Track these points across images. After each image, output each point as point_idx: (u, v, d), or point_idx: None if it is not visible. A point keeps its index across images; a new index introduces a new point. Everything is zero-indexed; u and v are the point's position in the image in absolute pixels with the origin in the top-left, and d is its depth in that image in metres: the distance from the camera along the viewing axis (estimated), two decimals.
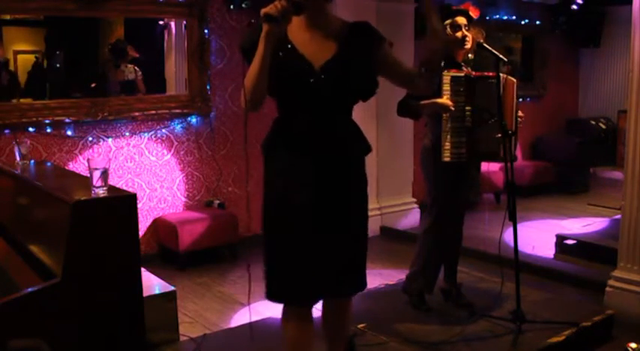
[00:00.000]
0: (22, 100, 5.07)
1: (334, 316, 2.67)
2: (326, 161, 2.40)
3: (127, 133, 5.19)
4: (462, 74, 3.50)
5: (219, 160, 5.66)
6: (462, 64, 3.65)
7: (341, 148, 2.42)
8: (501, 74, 3.51)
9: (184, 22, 5.46)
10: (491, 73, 3.54)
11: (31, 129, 4.72)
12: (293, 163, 2.41)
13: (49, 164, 4.28)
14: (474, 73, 3.58)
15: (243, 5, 5.50)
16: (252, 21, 2.33)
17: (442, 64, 2.46)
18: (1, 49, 5.46)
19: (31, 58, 5.82)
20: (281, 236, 2.45)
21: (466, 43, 3.57)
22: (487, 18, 7.39)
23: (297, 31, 2.38)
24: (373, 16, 5.86)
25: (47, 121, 4.77)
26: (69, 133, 4.91)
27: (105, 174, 2.77)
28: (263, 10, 2.18)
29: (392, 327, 3.60)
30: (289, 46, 2.36)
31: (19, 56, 5.80)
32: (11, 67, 5.56)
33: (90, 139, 5.02)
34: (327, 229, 2.42)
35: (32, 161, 3.84)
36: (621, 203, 4.16)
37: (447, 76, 3.46)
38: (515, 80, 3.61)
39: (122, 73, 5.74)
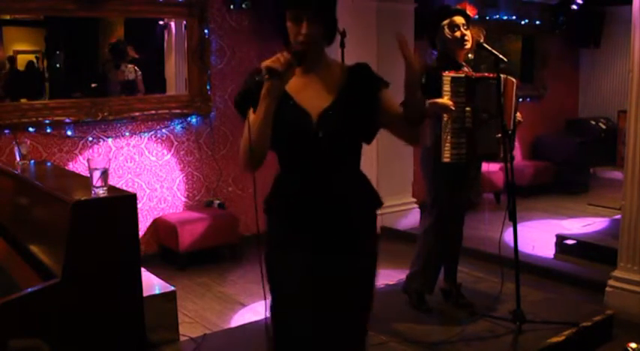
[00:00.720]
0: (11, 100, 5.07)
1: None
2: (327, 227, 2.16)
3: (127, 133, 5.19)
4: (462, 75, 3.50)
5: (219, 160, 5.66)
6: (463, 64, 3.64)
7: (344, 210, 2.17)
8: (502, 75, 3.51)
9: (184, 22, 5.46)
10: (491, 74, 3.54)
11: (31, 129, 4.72)
12: (290, 229, 2.20)
13: (49, 164, 4.28)
14: (475, 73, 3.58)
15: (244, 5, 5.50)
16: (257, 78, 2.02)
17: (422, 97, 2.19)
18: (1, 49, 5.47)
19: (31, 57, 5.83)
20: (278, 304, 2.26)
21: (465, 42, 3.57)
22: (487, 18, 7.39)
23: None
24: (373, 16, 5.87)
25: (47, 121, 4.77)
26: (69, 133, 4.91)
27: (105, 174, 2.77)
28: (264, 65, 1.98)
29: (392, 327, 3.60)
30: (284, 94, 2.11)
31: (19, 56, 5.80)
32: (11, 67, 5.56)
33: (90, 139, 5.02)
34: (327, 304, 2.18)
35: (32, 161, 3.84)
36: (621, 203, 4.16)
37: (447, 77, 3.45)
38: (515, 80, 3.61)
39: (122, 74, 5.74)
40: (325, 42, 2.17)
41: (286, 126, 2.11)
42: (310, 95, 2.16)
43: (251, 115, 2.11)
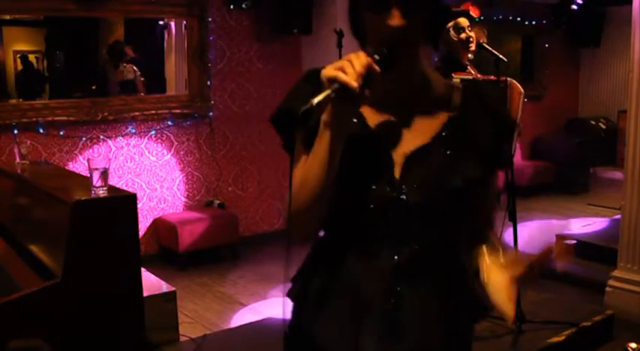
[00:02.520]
0: (11, 100, 5.08)
1: None
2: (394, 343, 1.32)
3: (127, 133, 5.19)
4: (471, 77, 3.50)
5: (219, 160, 5.66)
6: (468, 64, 3.64)
7: (428, 320, 1.34)
8: (508, 78, 3.51)
9: (184, 22, 5.46)
10: (496, 77, 3.54)
11: (31, 129, 4.72)
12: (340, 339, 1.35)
13: (49, 164, 4.28)
14: (480, 75, 3.59)
15: (244, 5, 5.50)
16: (313, 101, 1.13)
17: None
18: (1, 49, 5.46)
19: (31, 57, 5.82)
20: None
21: (470, 44, 3.57)
22: (486, 18, 7.38)
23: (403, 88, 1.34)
24: None
25: (47, 121, 4.77)
26: (69, 133, 4.91)
27: (105, 174, 2.77)
28: (328, 74, 1.15)
29: None
30: (355, 118, 1.31)
31: (19, 56, 5.79)
32: (11, 67, 5.56)
33: (90, 139, 5.02)
34: None
35: (32, 161, 3.84)
36: (621, 203, 4.16)
37: (456, 79, 3.45)
38: (522, 90, 3.60)
39: (121, 73, 5.74)
40: (422, 41, 1.33)
41: (350, 171, 1.29)
42: (395, 125, 1.34)
43: (300, 153, 1.31)
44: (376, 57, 1.19)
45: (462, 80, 1.54)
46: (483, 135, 1.35)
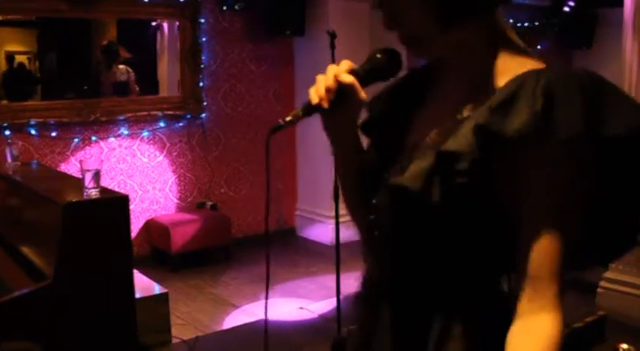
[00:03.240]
0: (3, 101, 5.06)
1: None
2: None
3: (120, 135, 5.18)
4: None
5: (211, 162, 5.65)
6: None
7: None
8: None
9: (177, 23, 5.45)
10: None
11: (22, 130, 4.71)
12: None
13: (40, 166, 4.27)
14: None
15: (237, 7, 5.49)
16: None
17: None
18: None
19: (23, 58, 5.80)
20: None
21: None
22: None
23: (448, 75, 1.12)
24: (366, 17, 5.87)
25: (39, 122, 4.75)
26: (61, 134, 4.89)
27: (97, 175, 2.76)
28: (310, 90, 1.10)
29: None
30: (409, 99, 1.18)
31: (11, 57, 5.77)
32: (2, 68, 5.54)
33: (82, 140, 5.00)
34: None
35: (24, 163, 3.83)
36: None
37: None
38: None
39: (114, 75, 5.72)
40: (439, 26, 1.00)
41: (370, 170, 1.18)
42: (433, 116, 1.10)
43: None
44: (364, 67, 1.11)
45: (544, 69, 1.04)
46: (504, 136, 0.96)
